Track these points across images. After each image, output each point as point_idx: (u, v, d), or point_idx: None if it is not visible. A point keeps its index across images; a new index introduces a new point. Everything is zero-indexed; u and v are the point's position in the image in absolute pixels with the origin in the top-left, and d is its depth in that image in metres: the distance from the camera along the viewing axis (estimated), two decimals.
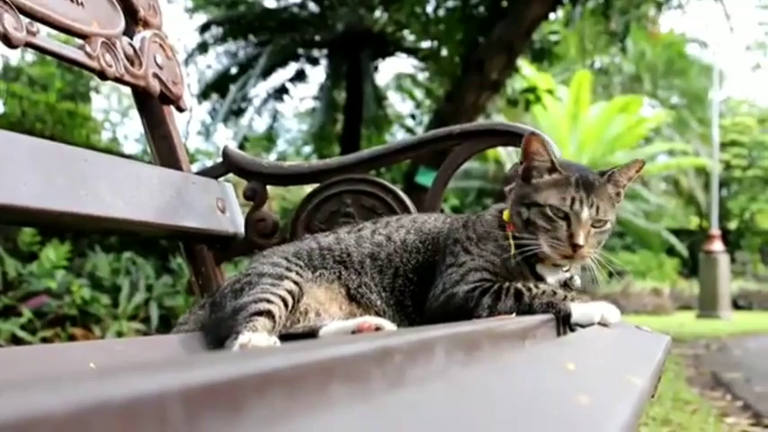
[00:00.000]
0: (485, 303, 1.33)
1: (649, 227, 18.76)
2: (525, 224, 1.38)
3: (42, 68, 9.89)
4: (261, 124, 13.39)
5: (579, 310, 1.29)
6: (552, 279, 1.41)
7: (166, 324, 5.36)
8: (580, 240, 1.33)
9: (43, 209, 1.34)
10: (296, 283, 1.39)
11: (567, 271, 1.43)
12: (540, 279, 1.40)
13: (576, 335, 1.29)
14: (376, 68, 11.81)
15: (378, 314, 1.42)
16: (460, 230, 1.48)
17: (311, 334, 1.32)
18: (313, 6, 11.44)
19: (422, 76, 12.90)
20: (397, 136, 14.05)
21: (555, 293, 1.34)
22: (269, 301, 1.32)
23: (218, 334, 1.36)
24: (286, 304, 1.34)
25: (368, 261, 1.48)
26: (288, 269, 1.42)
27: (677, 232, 20.92)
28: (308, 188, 1.93)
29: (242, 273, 1.49)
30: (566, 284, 1.41)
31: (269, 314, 1.30)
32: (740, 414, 4.12)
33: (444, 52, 9.12)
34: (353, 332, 1.24)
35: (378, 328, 1.22)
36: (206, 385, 0.37)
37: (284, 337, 1.30)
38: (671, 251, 20.33)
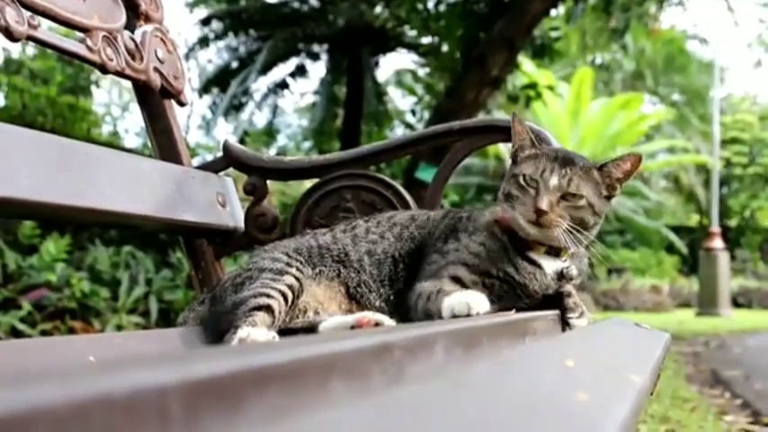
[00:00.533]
0: (420, 305, 1.35)
1: (649, 224, 18.75)
2: (507, 198, 1.40)
3: (43, 62, 9.89)
4: (261, 119, 13.42)
5: (446, 302, 1.25)
6: (549, 267, 1.41)
7: (166, 318, 5.36)
8: (543, 205, 1.32)
9: (43, 202, 1.34)
10: (296, 278, 1.39)
11: (564, 261, 1.43)
12: (537, 266, 1.40)
13: (575, 332, 1.29)
14: (376, 64, 11.81)
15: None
16: (463, 219, 1.50)
17: (310, 329, 1.32)
18: (314, 1, 11.42)
19: (422, 72, 12.89)
20: (397, 132, 14.05)
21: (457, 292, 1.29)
22: (269, 296, 1.32)
23: (217, 328, 1.36)
24: (286, 299, 1.34)
25: (365, 258, 1.48)
26: (288, 264, 1.43)
27: (677, 229, 20.91)
28: (308, 183, 1.93)
29: (242, 267, 1.49)
30: (561, 274, 1.41)
31: (268, 309, 1.30)
32: (739, 412, 4.12)
33: (445, 48, 9.10)
34: (353, 327, 1.24)
35: (377, 324, 1.22)
36: (205, 380, 0.37)
37: (283, 332, 1.30)
38: (671, 248, 20.34)
